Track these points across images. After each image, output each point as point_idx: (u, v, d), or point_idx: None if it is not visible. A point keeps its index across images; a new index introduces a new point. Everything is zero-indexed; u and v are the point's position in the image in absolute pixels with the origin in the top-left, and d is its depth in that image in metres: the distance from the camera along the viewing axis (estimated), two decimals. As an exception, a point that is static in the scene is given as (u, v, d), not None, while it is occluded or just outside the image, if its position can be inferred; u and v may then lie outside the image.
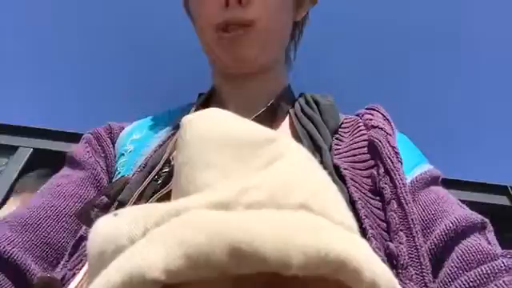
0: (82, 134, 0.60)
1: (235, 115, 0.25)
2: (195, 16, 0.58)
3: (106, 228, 0.18)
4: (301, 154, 0.20)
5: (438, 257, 0.40)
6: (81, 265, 0.40)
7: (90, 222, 0.42)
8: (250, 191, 0.16)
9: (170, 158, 0.46)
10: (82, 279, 0.33)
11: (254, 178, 0.17)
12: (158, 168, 0.45)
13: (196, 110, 0.56)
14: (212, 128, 0.22)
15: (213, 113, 0.25)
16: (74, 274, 0.39)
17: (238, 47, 0.52)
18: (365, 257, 0.15)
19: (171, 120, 0.58)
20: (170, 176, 0.44)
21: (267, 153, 0.20)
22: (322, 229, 0.15)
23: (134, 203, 0.41)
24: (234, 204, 0.16)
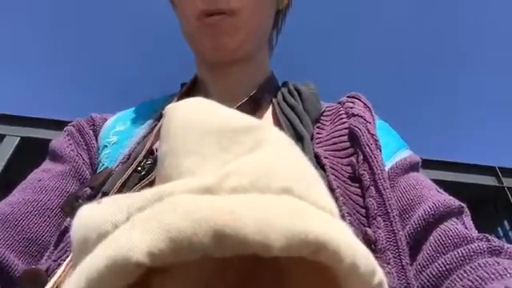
0: (69, 122, 0.59)
1: (218, 104, 0.25)
2: (177, 3, 0.57)
3: (89, 215, 0.18)
4: (283, 141, 0.21)
5: (417, 241, 0.42)
6: (65, 256, 0.40)
7: (74, 214, 0.42)
8: (232, 176, 0.16)
9: (153, 148, 0.46)
10: (65, 269, 0.33)
11: (237, 162, 0.18)
12: (139, 158, 0.44)
13: (178, 100, 0.56)
14: (195, 116, 0.22)
15: (196, 101, 0.25)
16: (59, 265, 0.39)
17: (219, 35, 0.51)
18: (344, 239, 0.15)
19: (154, 110, 0.58)
20: (153, 167, 0.43)
21: (250, 139, 0.20)
22: (303, 212, 0.16)
23: (116, 193, 0.41)
24: (218, 189, 0.16)
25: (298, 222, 0.15)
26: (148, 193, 0.17)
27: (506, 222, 4.99)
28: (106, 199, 0.19)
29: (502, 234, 4.99)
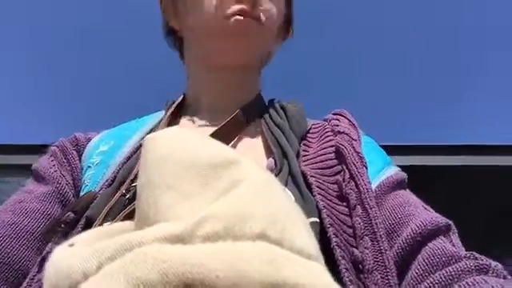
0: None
1: (197, 134, 0.24)
2: (193, 6, 0.57)
3: (60, 262, 0.17)
4: (261, 178, 0.20)
5: (405, 260, 0.42)
6: None
7: (56, 240, 0.41)
8: (207, 222, 0.16)
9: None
10: None
11: (212, 206, 0.17)
12: (126, 184, 0.43)
13: (169, 120, 0.56)
14: (173, 149, 0.22)
15: (174, 132, 0.24)
16: None
17: (244, 36, 0.54)
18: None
19: (139, 129, 0.57)
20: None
21: (227, 176, 0.19)
22: (277, 261, 0.15)
23: (103, 220, 0.40)
24: (191, 236, 0.16)
25: (272, 273, 0.14)
26: (119, 241, 0.16)
27: None
28: (77, 240, 0.19)
29: None
